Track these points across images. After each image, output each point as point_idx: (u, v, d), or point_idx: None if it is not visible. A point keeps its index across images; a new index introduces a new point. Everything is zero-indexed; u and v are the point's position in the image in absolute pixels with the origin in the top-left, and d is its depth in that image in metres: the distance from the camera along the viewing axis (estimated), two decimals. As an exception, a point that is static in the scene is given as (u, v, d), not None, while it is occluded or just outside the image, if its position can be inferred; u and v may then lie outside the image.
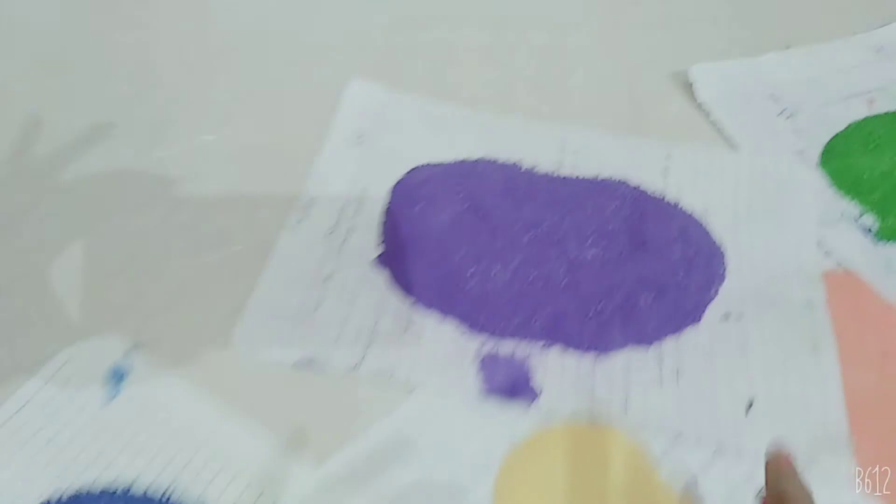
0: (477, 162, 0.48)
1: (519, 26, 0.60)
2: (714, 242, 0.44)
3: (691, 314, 0.41)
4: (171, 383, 0.38)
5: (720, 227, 0.45)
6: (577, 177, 0.48)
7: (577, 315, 0.40)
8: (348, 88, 0.52)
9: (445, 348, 0.39)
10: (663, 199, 0.46)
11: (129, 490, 0.33)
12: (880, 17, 0.60)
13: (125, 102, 0.52)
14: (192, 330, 0.40)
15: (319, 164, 0.48)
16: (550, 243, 0.43)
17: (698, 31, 0.59)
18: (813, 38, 0.57)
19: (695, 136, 0.51)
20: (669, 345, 0.39)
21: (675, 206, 0.46)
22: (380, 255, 0.43)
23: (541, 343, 0.39)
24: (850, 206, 0.46)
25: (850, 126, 0.51)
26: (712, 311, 0.41)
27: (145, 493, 0.33)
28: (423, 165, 0.48)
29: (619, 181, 0.47)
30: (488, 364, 0.38)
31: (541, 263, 0.42)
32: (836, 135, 0.50)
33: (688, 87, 0.53)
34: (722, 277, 0.42)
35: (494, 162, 0.48)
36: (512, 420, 0.36)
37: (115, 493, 0.33)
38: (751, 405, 0.37)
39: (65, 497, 0.33)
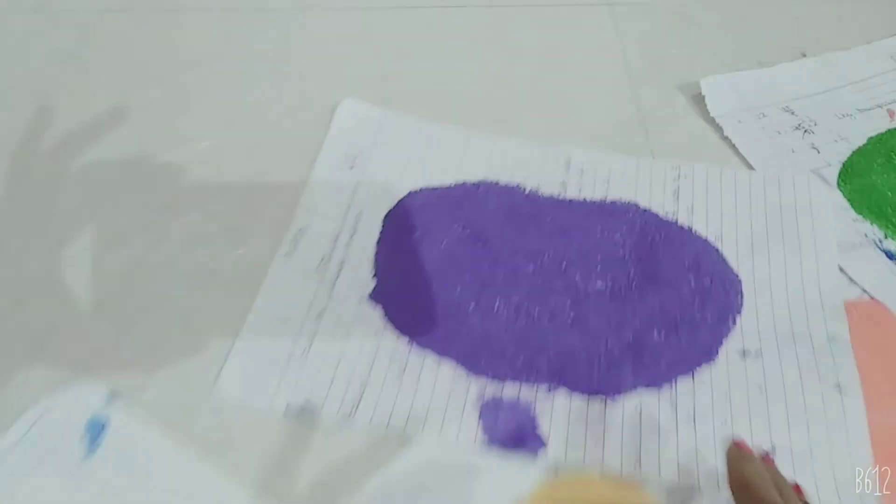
0: (477, 185, 0.46)
1: (517, 39, 0.57)
2: (730, 271, 0.41)
3: (706, 352, 0.38)
4: (154, 435, 0.35)
5: (735, 254, 0.42)
6: (583, 199, 0.45)
7: (584, 354, 0.38)
8: (340, 108, 0.50)
9: (444, 393, 0.37)
10: (675, 222, 0.44)
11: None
12: (899, 23, 0.57)
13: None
14: (175, 375, 0.37)
15: (310, 190, 0.45)
16: (556, 274, 0.41)
17: (708, 41, 0.56)
18: (828, 47, 0.54)
19: (707, 154, 0.48)
20: (684, 386, 0.37)
21: (688, 230, 0.43)
22: (374, 290, 0.40)
23: (546, 386, 0.37)
24: (872, 229, 0.43)
25: (870, 140, 0.48)
26: (729, 348, 0.38)
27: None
28: (419, 190, 0.45)
29: (627, 204, 0.45)
30: (490, 410, 0.36)
31: (545, 297, 0.40)
32: (856, 150, 0.48)
33: (699, 101, 0.51)
34: (738, 309, 0.40)
35: (495, 184, 0.46)
36: (517, 472, 0.34)
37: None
38: (772, 452, 0.34)
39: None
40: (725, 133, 0.49)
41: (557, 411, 0.36)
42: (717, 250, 0.42)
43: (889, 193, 0.45)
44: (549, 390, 0.37)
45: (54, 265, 0.41)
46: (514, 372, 0.37)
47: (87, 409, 0.36)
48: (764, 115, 0.50)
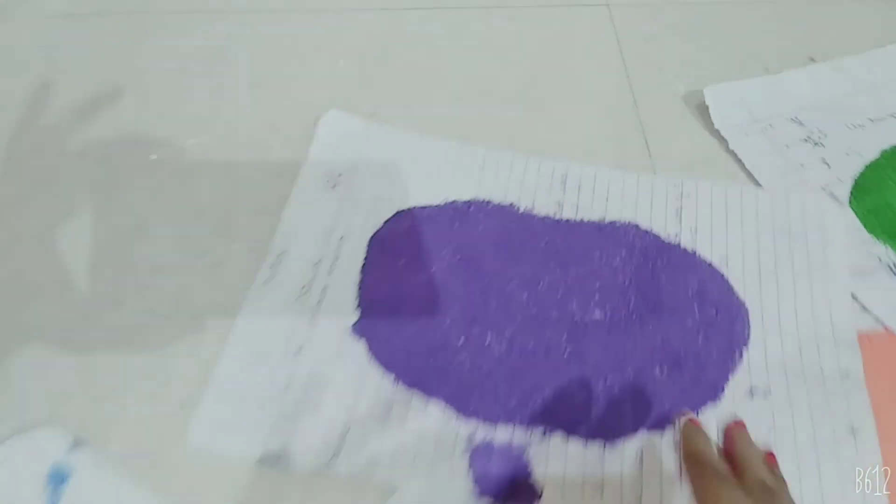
0: (468, 204, 0.43)
1: (509, 43, 0.54)
2: (736, 299, 0.39)
3: (712, 390, 0.36)
4: (121, 485, 0.33)
5: (741, 280, 0.40)
6: (580, 220, 0.43)
7: (582, 394, 0.35)
8: (322, 121, 0.47)
9: (432, 438, 0.34)
10: (678, 245, 0.41)
11: None
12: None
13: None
14: (144, 420, 0.35)
15: (290, 211, 0.43)
16: (551, 303, 0.38)
17: (712, 47, 0.53)
18: (837, 52, 0.52)
19: (711, 168, 0.45)
20: (688, 428, 0.34)
21: (692, 255, 0.41)
22: (357, 322, 0.38)
23: (541, 429, 0.34)
24: (886, 252, 0.41)
25: (883, 154, 0.45)
26: (735, 386, 0.36)
27: None
28: (406, 210, 0.43)
29: (627, 225, 0.42)
30: (481, 456, 0.34)
31: (540, 329, 0.37)
32: (868, 165, 0.45)
33: (702, 110, 0.48)
34: (745, 341, 0.38)
35: (487, 204, 0.43)
36: (509, 525, 0.32)
37: None
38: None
39: None
40: (731, 146, 0.46)
41: (553, 457, 0.34)
42: (722, 276, 0.40)
43: (905, 213, 0.42)
44: (544, 434, 0.34)
45: (14, 298, 0.39)
46: (506, 413, 0.35)
47: (50, 457, 0.33)
48: (771, 127, 0.47)
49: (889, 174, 0.44)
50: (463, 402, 0.35)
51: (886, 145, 0.46)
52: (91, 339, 0.37)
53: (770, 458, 0.29)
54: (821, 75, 0.50)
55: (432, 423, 0.35)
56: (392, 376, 0.36)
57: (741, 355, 0.37)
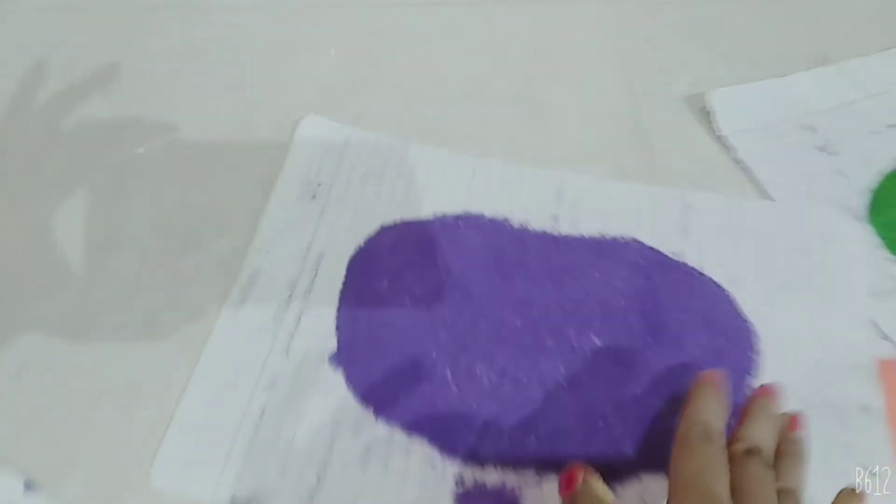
0: (457, 218, 0.40)
1: (502, 42, 0.50)
2: (745, 325, 0.36)
3: (720, 427, 0.33)
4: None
5: (751, 304, 0.37)
6: (578, 235, 0.40)
7: (579, 430, 0.32)
8: (300, 126, 0.44)
9: (416, 480, 0.31)
10: (683, 264, 0.38)
11: None
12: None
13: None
14: (103, 460, 0.32)
15: (265, 226, 0.40)
16: (547, 330, 0.36)
17: (717, 46, 0.50)
18: (850, 53, 0.48)
19: (717, 179, 0.42)
20: (694, 469, 0.32)
21: (698, 275, 0.38)
22: (336, 351, 0.35)
23: (533, 470, 0.32)
24: (907, 272, 0.38)
25: (902, 163, 0.42)
26: (745, 421, 0.33)
27: None
28: (390, 225, 0.40)
29: (628, 241, 0.39)
30: (470, 500, 0.31)
31: (535, 359, 0.35)
32: (887, 175, 0.42)
33: (705, 115, 0.45)
34: (754, 371, 0.35)
35: (479, 218, 0.40)
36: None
37: None
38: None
39: None
40: (739, 155, 0.43)
41: (549, 500, 0.31)
42: (730, 299, 0.37)
43: (926, 228, 0.39)
44: (538, 475, 0.32)
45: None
46: (497, 453, 0.32)
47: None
48: (780, 133, 0.44)
49: (908, 185, 0.41)
50: (450, 441, 0.32)
51: (904, 153, 0.43)
52: (49, 369, 0.34)
53: (791, 422, 0.29)
54: (833, 77, 0.47)
55: (416, 463, 0.32)
56: (372, 410, 0.33)
57: (750, 387, 0.34)
